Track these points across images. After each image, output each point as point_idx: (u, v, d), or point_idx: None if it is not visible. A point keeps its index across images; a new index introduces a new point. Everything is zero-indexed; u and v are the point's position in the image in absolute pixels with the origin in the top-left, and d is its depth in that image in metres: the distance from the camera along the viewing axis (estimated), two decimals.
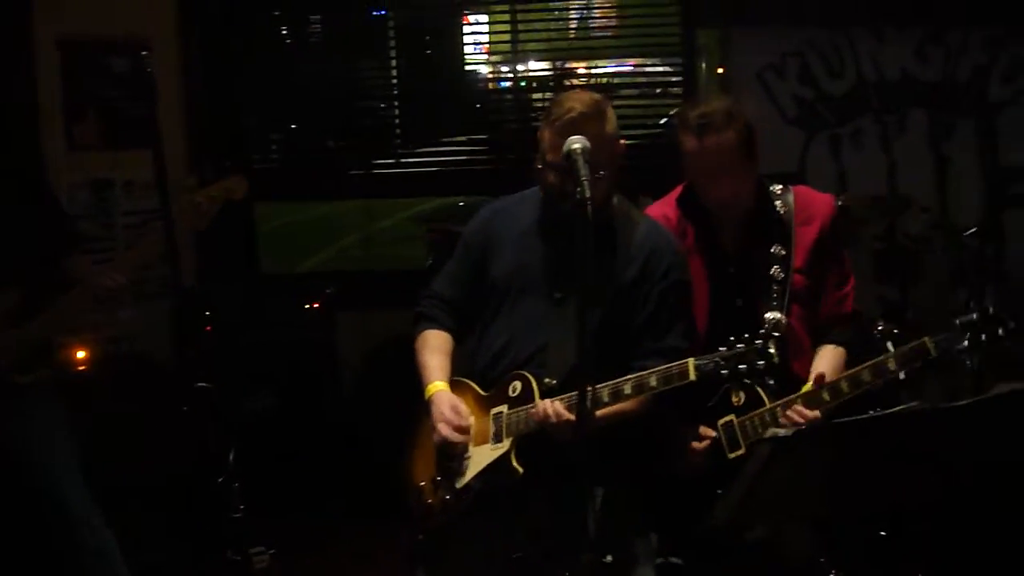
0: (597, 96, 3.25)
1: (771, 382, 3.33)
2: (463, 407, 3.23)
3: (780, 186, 3.54)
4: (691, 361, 2.98)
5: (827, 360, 3.44)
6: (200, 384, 2.98)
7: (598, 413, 2.97)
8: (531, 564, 3.28)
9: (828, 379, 3.25)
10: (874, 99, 5.69)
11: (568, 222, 3.08)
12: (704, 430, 3.34)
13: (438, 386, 3.29)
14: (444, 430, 3.18)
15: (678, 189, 3.59)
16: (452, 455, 3.23)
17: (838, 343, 3.49)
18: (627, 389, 3.04)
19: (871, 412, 3.02)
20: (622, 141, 3.26)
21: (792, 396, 3.25)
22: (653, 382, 3.02)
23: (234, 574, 3.82)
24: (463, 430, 3.19)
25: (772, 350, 2.91)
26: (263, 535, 4.35)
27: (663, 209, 3.56)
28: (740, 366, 2.92)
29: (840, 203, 4.25)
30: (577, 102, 3.16)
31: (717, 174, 3.34)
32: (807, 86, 5.72)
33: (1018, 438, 2.50)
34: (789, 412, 3.21)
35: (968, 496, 2.94)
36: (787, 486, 2.51)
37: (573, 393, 3.03)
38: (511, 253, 3.33)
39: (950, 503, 3.07)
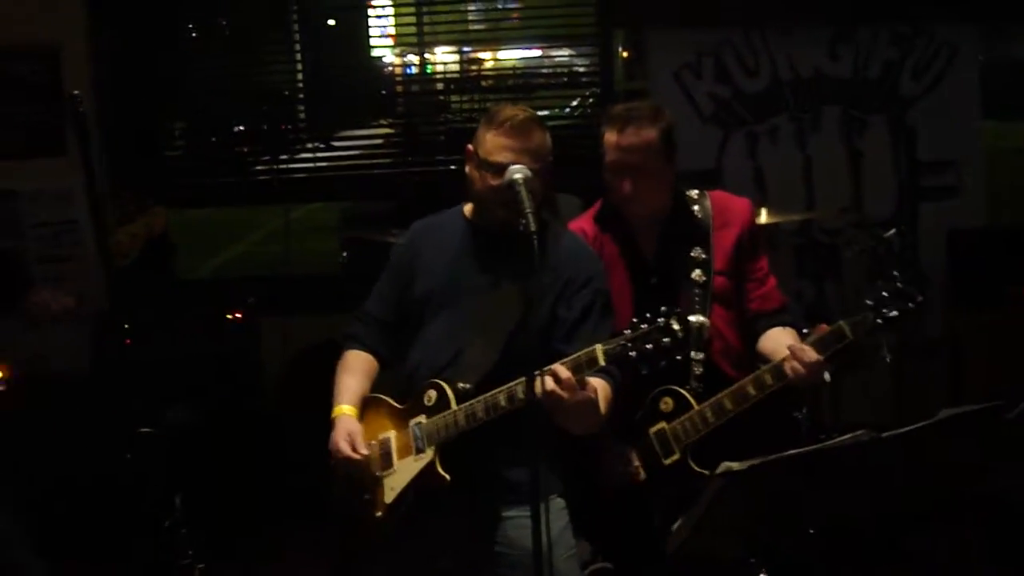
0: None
1: (698, 385, 3.38)
2: (358, 437, 3.23)
3: (696, 191, 3.57)
4: (599, 347, 2.96)
5: (789, 336, 3.42)
6: (144, 430, 2.93)
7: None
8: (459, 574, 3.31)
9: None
10: (789, 97, 5.76)
11: (497, 228, 3.17)
12: (628, 456, 3.38)
13: (342, 410, 3.31)
14: (337, 464, 3.23)
15: (595, 206, 3.62)
16: (369, 477, 3.23)
17: (787, 324, 3.50)
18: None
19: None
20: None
21: (721, 394, 3.28)
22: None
23: None
24: (353, 463, 3.21)
25: (676, 326, 2.90)
26: (192, 546, 4.31)
27: (580, 224, 3.58)
28: (647, 346, 2.91)
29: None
30: (520, 110, 3.21)
31: (632, 170, 3.37)
32: (723, 85, 5.77)
33: (961, 461, 2.56)
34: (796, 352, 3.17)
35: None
36: (738, 516, 2.55)
37: (489, 393, 3.05)
38: (433, 269, 3.34)
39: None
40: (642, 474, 3.39)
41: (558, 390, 2.89)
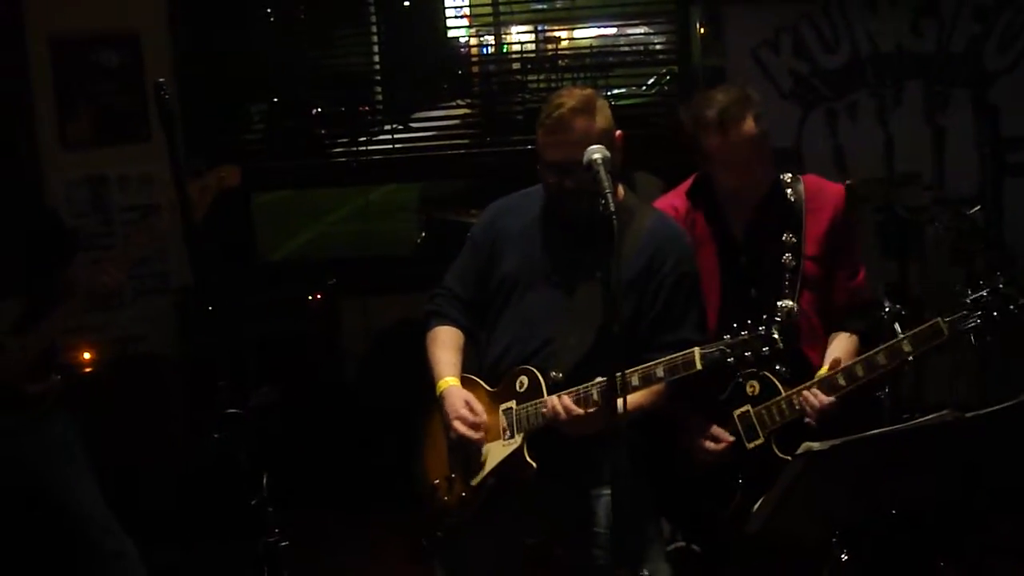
0: (588, 91, 3.24)
1: (784, 370, 3.35)
2: (477, 403, 3.22)
3: (790, 175, 3.55)
4: (697, 351, 2.98)
5: (841, 346, 3.43)
6: (231, 411, 2.99)
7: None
8: (544, 550, 3.32)
9: (843, 364, 3.25)
10: (870, 72, 5.67)
11: (571, 221, 3.18)
12: (719, 432, 3.34)
13: (449, 382, 3.28)
14: (461, 428, 3.18)
15: (688, 181, 3.60)
16: (467, 452, 3.24)
17: (852, 331, 3.49)
18: (634, 380, 3.03)
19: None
20: (618, 132, 3.23)
21: (808, 383, 3.26)
22: (660, 372, 3.03)
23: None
24: (479, 427, 3.19)
25: (776, 336, 2.91)
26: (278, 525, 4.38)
27: (672, 201, 3.57)
28: (746, 353, 2.93)
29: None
30: (567, 98, 3.16)
31: (746, 163, 3.35)
32: (802, 60, 5.69)
33: None
34: (806, 393, 3.22)
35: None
36: (819, 496, 2.54)
37: (580, 387, 3.07)
38: (516, 251, 3.34)
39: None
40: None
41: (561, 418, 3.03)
